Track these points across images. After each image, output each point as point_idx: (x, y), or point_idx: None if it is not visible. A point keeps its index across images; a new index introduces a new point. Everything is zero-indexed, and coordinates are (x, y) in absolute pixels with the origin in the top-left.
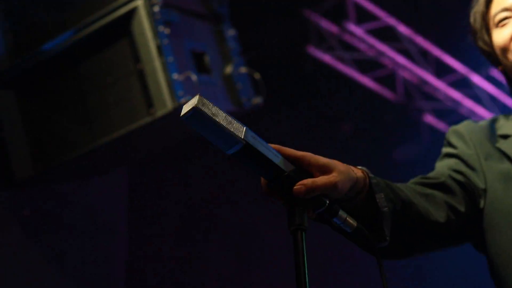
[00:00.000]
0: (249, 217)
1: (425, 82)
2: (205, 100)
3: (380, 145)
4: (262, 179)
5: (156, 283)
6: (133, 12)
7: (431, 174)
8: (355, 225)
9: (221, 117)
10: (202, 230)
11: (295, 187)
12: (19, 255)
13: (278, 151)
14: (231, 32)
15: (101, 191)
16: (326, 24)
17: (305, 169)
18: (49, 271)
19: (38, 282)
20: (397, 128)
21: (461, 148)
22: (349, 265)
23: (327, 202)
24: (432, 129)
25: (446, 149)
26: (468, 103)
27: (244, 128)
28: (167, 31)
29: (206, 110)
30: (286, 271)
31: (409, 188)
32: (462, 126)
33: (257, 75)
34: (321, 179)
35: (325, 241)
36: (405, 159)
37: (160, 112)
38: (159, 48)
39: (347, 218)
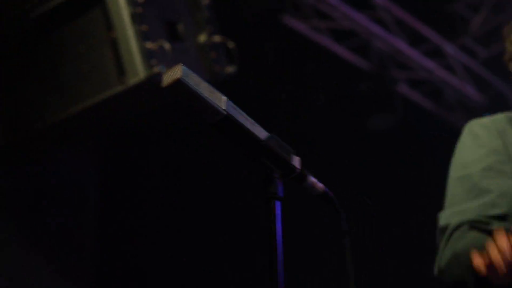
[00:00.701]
0: (230, 188)
1: (399, 52)
2: (188, 71)
3: (354, 114)
4: None
5: (128, 256)
6: None
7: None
8: (321, 190)
9: (204, 88)
10: (179, 202)
11: None
12: None
13: None
14: (205, 1)
15: (72, 161)
16: None
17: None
18: (17, 241)
19: (7, 251)
20: (371, 97)
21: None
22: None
23: (297, 169)
24: (405, 99)
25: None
26: (441, 73)
27: (225, 98)
28: None
29: (189, 81)
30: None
31: None
32: (488, 121)
33: (231, 44)
34: None
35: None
36: (379, 128)
37: (132, 81)
38: (132, 16)
39: (315, 184)
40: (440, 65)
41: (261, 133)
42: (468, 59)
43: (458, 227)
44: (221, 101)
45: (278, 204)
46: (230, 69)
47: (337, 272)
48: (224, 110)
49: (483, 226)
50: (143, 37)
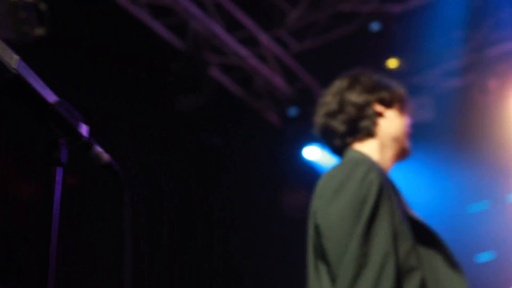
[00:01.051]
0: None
1: (215, 36)
2: None
3: (164, 93)
4: None
5: None
6: None
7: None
8: (106, 161)
9: None
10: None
11: None
12: None
13: None
14: None
15: None
16: None
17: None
18: None
19: None
20: (182, 78)
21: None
22: None
23: (84, 137)
24: (216, 82)
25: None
26: (253, 61)
27: (17, 57)
28: None
29: None
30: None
31: None
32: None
33: (43, 6)
34: None
35: None
36: (187, 109)
37: None
38: None
39: (100, 154)
40: (253, 53)
41: (51, 97)
42: (281, 50)
43: None
44: (12, 60)
45: (59, 170)
46: (40, 31)
47: (115, 244)
48: (14, 69)
49: None
50: None
